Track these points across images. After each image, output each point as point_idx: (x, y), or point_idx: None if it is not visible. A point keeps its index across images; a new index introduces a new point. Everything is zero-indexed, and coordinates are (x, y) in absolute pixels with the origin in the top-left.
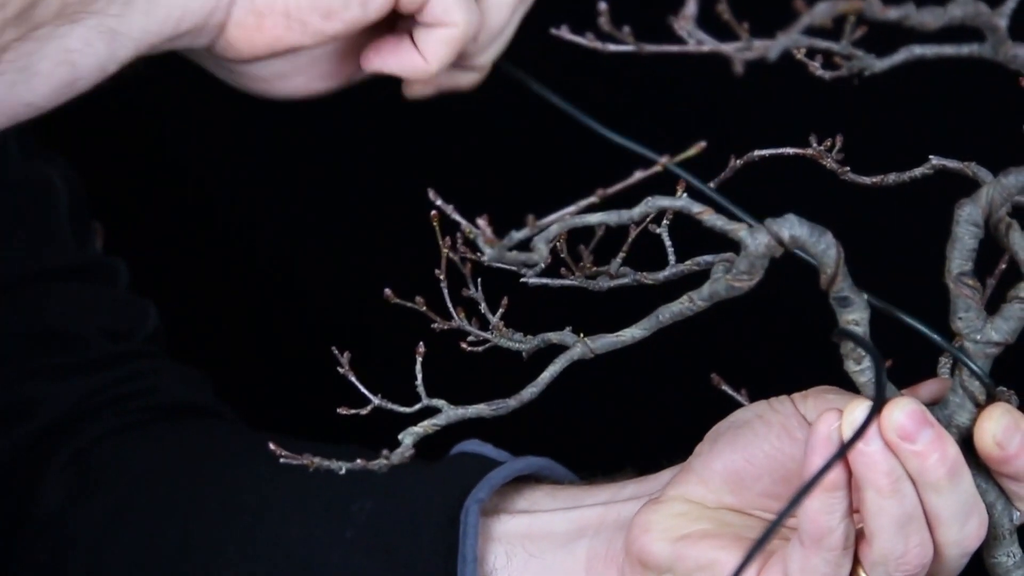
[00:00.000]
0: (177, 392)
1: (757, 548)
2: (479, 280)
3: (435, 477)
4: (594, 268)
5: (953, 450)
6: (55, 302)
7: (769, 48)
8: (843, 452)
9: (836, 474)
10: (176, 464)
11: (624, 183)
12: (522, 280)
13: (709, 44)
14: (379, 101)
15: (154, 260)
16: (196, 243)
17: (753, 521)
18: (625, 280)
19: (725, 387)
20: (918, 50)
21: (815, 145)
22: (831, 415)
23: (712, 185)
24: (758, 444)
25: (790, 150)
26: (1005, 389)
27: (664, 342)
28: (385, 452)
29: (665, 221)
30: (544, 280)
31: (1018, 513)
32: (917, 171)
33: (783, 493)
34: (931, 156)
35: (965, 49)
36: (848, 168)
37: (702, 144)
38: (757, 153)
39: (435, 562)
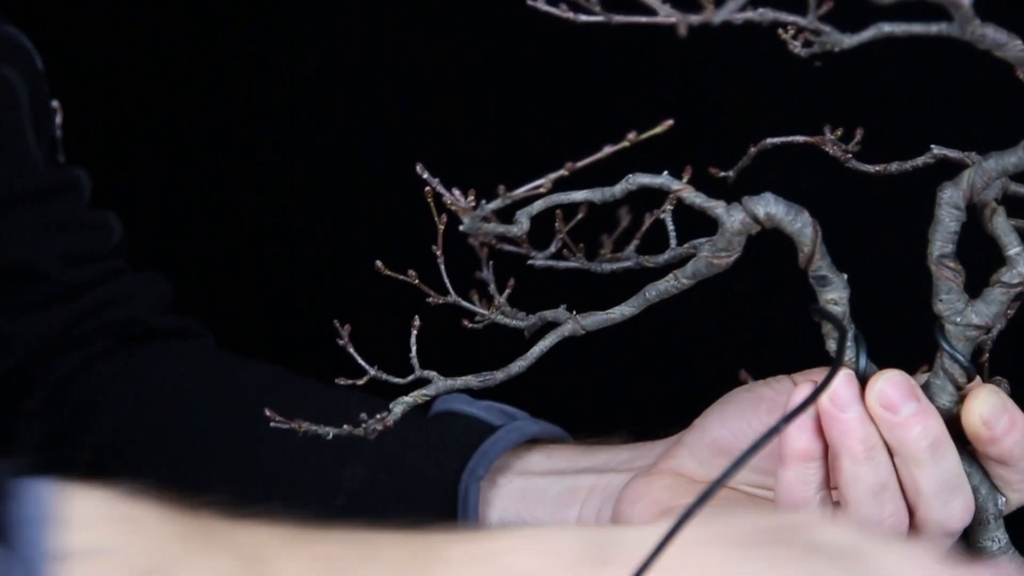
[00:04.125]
0: (147, 318)
1: (690, 512)
2: (491, 263)
3: (428, 444)
4: (609, 254)
5: (936, 424)
6: (17, 233)
7: (716, 14)
8: (794, 415)
9: (810, 445)
10: (155, 416)
11: (593, 157)
12: (529, 263)
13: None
14: (376, 87)
15: (156, 239)
16: (198, 224)
17: (740, 496)
18: (628, 263)
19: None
20: (887, 27)
21: (828, 133)
22: (808, 385)
23: (732, 173)
24: (746, 419)
25: (800, 138)
26: (1000, 378)
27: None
28: (363, 416)
29: (669, 207)
30: (550, 262)
31: (1003, 498)
32: (919, 160)
33: (772, 468)
34: (933, 146)
35: (934, 28)
36: (851, 155)
37: (669, 122)
38: (770, 141)
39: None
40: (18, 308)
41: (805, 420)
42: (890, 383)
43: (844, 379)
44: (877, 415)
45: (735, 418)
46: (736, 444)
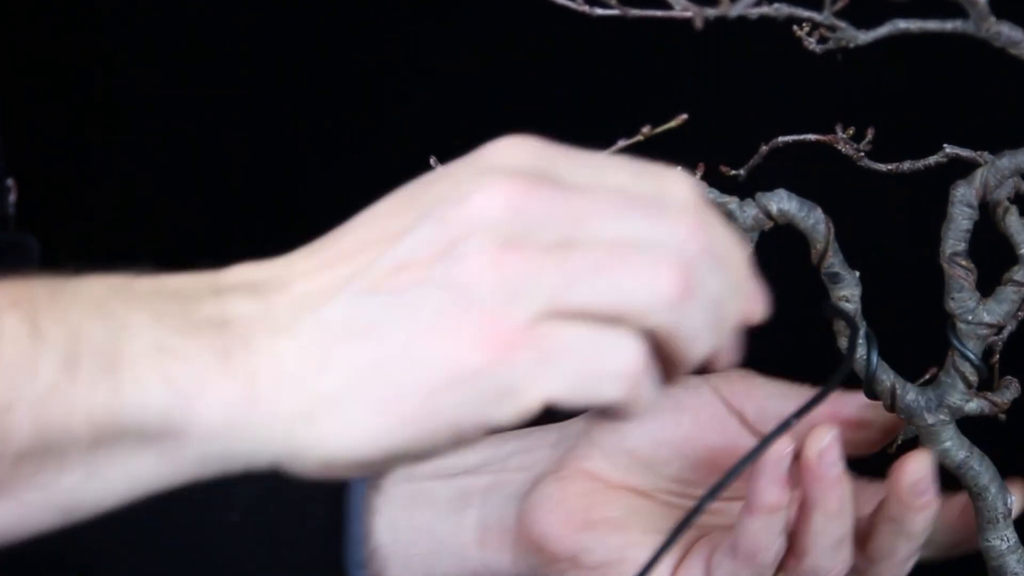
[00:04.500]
0: None
1: (670, 542)
2: None
3: None
4: None
5: (934, 499)
6: None
7: (732, 8)
8: (800, 413)
9: (780, 496)
10: None
11: (607, 151)
12: None
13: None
14: (387, 80)
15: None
16: (192, 226)
17: (660, 508)
18: None
19: None
20: (902, 24)
21: (840, 132)
22: (784, 443)
23: (743, 172)
24: (669, 430)
25: (812, 136)
26: (1010, 378)
27: None
28: None
29: None
30: None
31: (1012, 498)
32: (931, 159)
33: (693, 479)
34: (945, 144)
35: (949, 25)
36: (863, 154)
37: (684, 116)
38: (781, 139)
39: (322, 544)
40: None
41: (779, 472)
42: (924, 471)
43: (832, 438)
44: (900, 494)
45: (657, 429)
46: (661, 454)
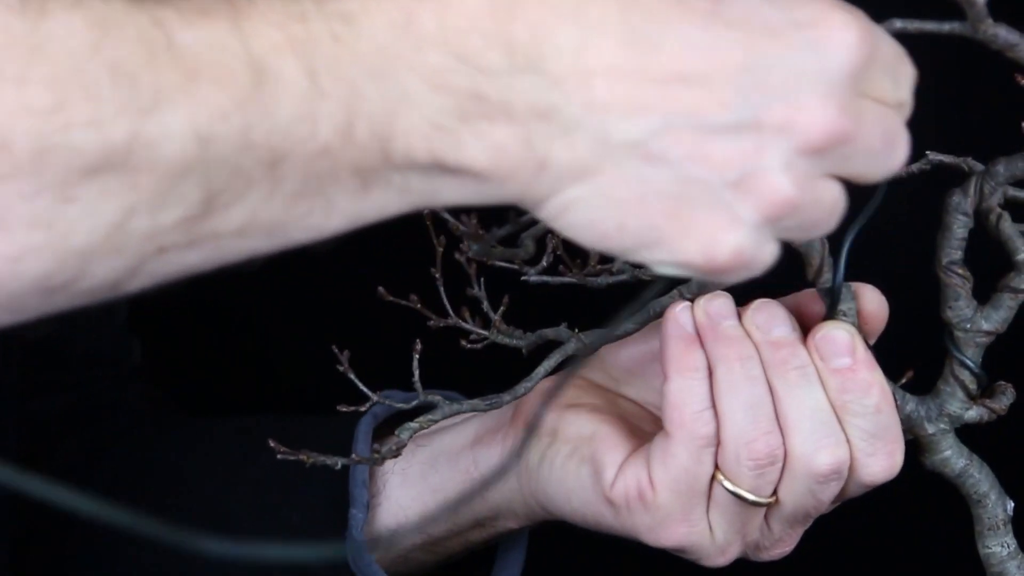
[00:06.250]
0: (129, 402)
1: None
2: (482, 280)
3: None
4: (598, 266)
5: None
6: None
7: None
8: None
9: (693, 357)
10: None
11: None
12: (523, 278)
13: None
14: None
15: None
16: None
17: (646, 414)
18: (623, 276)
19: None
20: (899, 24)
21: None
22: (679, 303)
23: None
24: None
25: None
26: (1004, 383)
27: None
28: (375, 446)
29: None
30: (544, 278)
31: (1011, 503)
32: (915, 166)
33: None
34: (928, 152)
35: (946, 26)
36: None
37: None
38: None
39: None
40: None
41: (678, 329)
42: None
43: (724, 299)
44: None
45: (654, 338)
46: (654, 366)
